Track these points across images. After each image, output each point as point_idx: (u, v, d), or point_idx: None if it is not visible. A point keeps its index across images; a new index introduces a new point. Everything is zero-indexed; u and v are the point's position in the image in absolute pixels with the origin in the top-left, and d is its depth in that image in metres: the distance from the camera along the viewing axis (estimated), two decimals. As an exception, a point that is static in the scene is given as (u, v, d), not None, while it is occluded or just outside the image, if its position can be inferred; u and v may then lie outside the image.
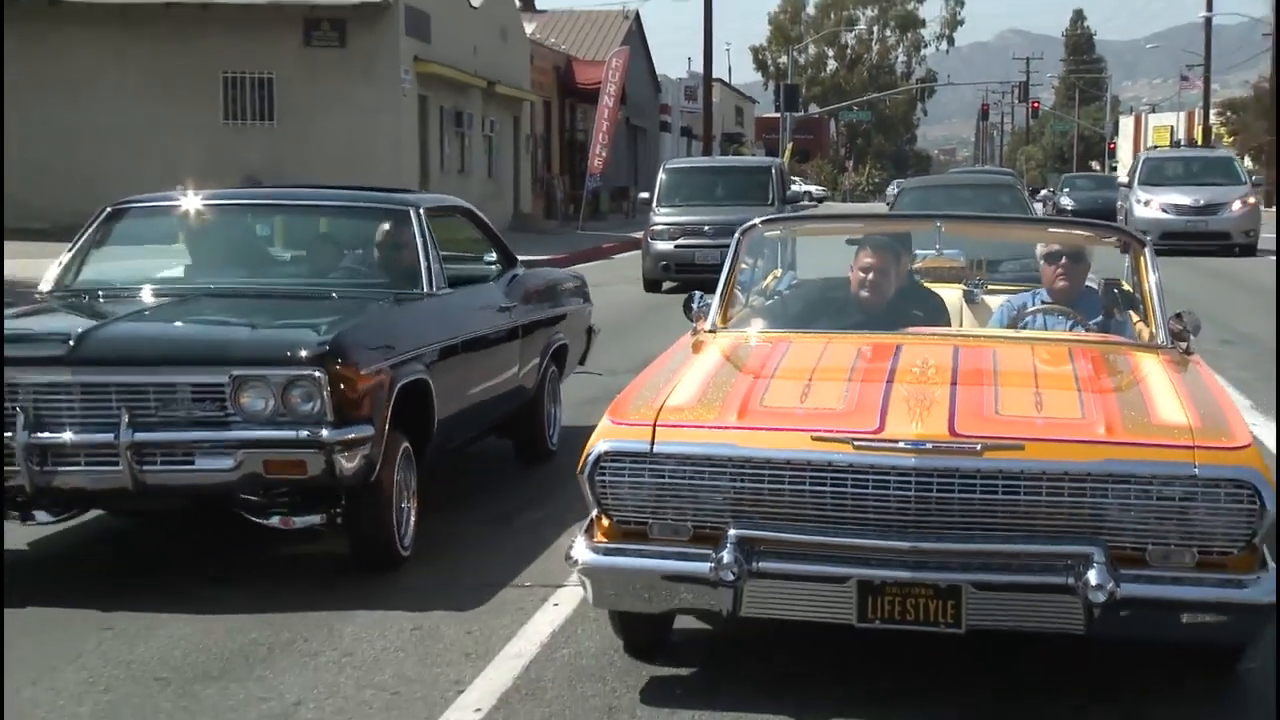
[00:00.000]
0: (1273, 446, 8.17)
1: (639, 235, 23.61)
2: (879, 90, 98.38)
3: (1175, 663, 4.92)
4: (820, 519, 4.35)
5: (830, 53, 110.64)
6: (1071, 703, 4.67)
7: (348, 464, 5.67)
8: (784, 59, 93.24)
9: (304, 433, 5.61)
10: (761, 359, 5.34)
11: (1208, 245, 26.69)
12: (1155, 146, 62.56)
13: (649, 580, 4.52)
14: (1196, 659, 4.89)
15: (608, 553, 4.54)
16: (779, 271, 7.10)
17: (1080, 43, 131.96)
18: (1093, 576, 4.14)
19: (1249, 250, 27.19)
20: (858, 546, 4.32)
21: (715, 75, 46.96)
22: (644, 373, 5.32)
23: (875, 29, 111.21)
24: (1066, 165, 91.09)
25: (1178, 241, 25.95)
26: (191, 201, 7.56)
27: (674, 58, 79.44)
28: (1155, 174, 29.81)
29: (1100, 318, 6.15)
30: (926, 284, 6.54)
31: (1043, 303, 6.27)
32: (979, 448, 4.26)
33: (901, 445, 4.28)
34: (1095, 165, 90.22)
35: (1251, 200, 28.11)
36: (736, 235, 6.29)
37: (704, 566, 4.37)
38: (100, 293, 6.94)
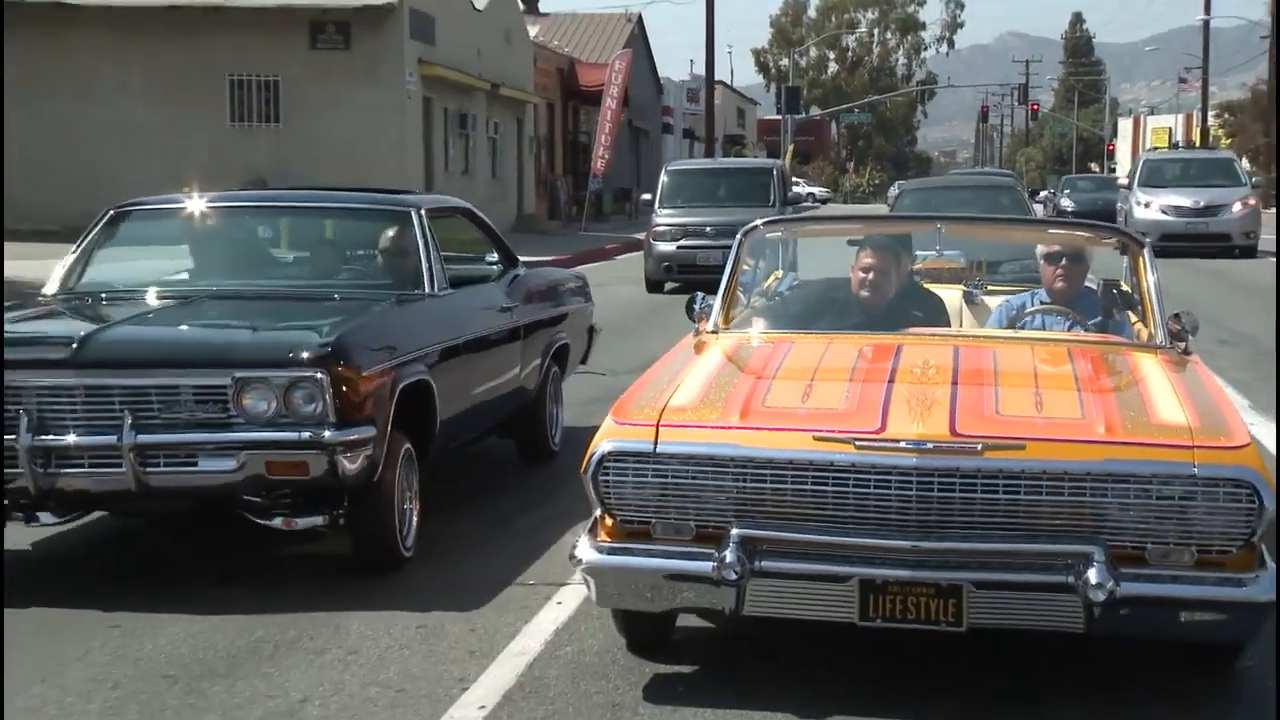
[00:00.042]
0: (1272, 446, 8.19)
1: (641, 236, 23.60)
2: (880, 92, 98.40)
3: (1175, 662, 4.94)
4: (822, 518, 4.37)
5: (831, 55, 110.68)
6: (1071, 702, 4.68)
7: (350, 465, 5.68)
8: (785, 61, 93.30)
9: (306, 434, 5.63)
10: (763, 359, 5.37)
11: (1208, 247, 26.57)
12: (1154, 148, 62.52)
13: (652, 579, 4.55)
14: (1196, 657, 4.91)
15: (611, 552, 4.57)
16: (780, 272, 7.12)
17: (1079, 45, 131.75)
18: (1093, 575, 4.17)
19: (1249, 252, 27.07)
20: (859, 546, 4.35)
21: (717, 78, 46.97)
22: (647, 373, 5.33)
23: (876, 32, 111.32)
24: (1066, 167, 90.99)
25: (1178, 243, 25.85)
26: (194, 204, 7.58)
27: (676, 60, 79.34)
28: (1155, 176, 29.60)
29: (1099, 318, 6.17)
30: (926, 285, 6.57)
31: (1042, 303, 6.30)
32: (980, 447, 4.28)
33: (903, 445, 4.30)
34: (1094, 167, 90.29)
35: (1252, 202, 27.95)
36: (738, 236, 6.31)
37: (707, 566, 4.40)
38: (104, 295, 6.96)
